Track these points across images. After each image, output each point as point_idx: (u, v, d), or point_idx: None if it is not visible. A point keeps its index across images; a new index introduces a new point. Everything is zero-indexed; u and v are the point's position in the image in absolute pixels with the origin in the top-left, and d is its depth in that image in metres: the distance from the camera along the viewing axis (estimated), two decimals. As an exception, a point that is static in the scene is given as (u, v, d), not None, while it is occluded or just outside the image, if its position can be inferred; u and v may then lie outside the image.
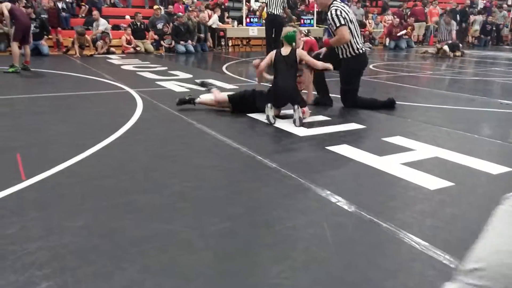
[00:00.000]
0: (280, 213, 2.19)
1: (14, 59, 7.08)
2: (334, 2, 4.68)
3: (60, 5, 11.74)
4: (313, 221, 2.10)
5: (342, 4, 4.73)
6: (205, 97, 4.58)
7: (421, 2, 18.44)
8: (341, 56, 4.73)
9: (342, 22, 4.55)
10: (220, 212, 2.19)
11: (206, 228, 2.02)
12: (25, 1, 10.41)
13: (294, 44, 4.29)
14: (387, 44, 15.38)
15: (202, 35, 12.38)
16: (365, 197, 2.40)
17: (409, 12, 17.01)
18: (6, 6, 7.06)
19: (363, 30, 15.84)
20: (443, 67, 9.93)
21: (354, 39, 4.67)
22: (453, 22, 13.08)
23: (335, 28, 4.58)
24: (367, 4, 18.25)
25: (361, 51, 4.72)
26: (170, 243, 1.88)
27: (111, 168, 2.79)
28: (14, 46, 7.09)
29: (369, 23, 16.46)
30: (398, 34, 14.98)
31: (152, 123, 4.03)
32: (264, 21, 10.92)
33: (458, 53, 11.96)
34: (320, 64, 4.37)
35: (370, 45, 15.23)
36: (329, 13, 4.62)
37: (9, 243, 1.85)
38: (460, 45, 12.72)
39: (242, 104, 4.34)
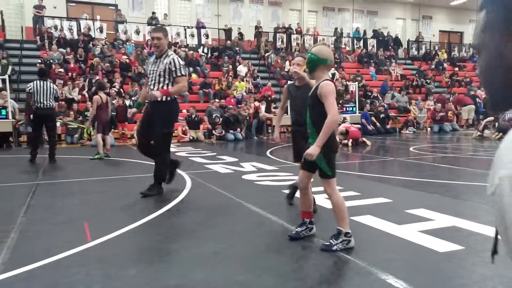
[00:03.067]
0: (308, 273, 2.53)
1: (99, 148, 8.20)
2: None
3: (128, 102, 13.39)
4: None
5: None
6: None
7: (466, 88, 18.88)
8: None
9: None
10: (246, 266, 2.58)
11: (231, 277, 2.40)
12: (116, 90, 11.87)
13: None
14: (430, 128, 15.64)
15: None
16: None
17: (451, 98, 17.42)
18: (97, 100, 8.17)
19: (407, 115, 16.35)
20: (485, 147, 9.97)
21: None
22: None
23: None
24: (410, 91, 18.92)
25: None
26: None
27: (159, 232, 3.30)
28: (98, 137, 8.24)
29: (413, 108, 16.96)
30: (437, 118, 15.32)
31: (198, 198, 4.58)
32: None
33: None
34: None
35: (414, 129, 15.55)
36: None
37: (76, 285, 2.34)
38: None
39: None
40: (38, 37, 16.34)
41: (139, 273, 2.49)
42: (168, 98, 4.49)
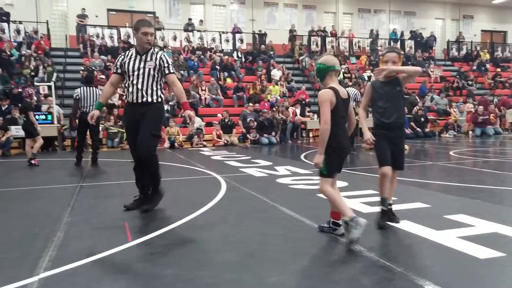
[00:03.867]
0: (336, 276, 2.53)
1: None
2: None
3: (165, 107, 13.75)
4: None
5: None
6: None
7: (510, 89, 18.05)
8: None
9: None
10: (279, 269, 2.60)
11: (264, 279, 2.44)
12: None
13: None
14: (471, 131, 15.07)
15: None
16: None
17: (496, 101, 16.73)
18: None
19: (447, 118, 15.83)
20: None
21: None
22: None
23: None
24: (450, 93, 18.33)
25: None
26: None
27: (195, 234, 3.38)
28: None
29: (454, 111, 16.42)
30: (479, 121, 14.74)
31: (233, 201, 4.64)
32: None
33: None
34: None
35: (455, 133, 15.04)
36: None
37: (119, 282, 2.45)
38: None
39: None
40: (81, 45, 17.10)
41: (175, 272, 2.57)
42: (159, 99, 4.17)
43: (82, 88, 8.04)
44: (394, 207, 3.69)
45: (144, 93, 4.08)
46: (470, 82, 19.50)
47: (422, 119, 14.77)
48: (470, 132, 15.12)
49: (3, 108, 11.85)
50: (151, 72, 4.08)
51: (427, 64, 20.33)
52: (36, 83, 13.51)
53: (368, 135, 3.50)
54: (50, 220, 3.87)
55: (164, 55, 4.20)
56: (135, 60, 4.12)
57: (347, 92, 3.27)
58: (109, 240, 3.29)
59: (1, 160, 9.62)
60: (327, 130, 3.03)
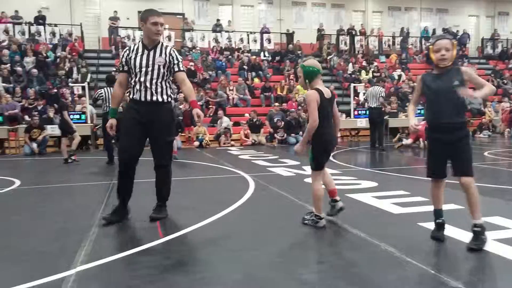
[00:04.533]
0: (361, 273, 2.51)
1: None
2: None
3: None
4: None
5: None
6: None
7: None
8: None
9: None
10: (310, 267, 2.60)
11: (293, 276, 2.45)
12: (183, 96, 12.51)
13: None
14: (507, 131, 14.53)
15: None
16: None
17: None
18: None
19: (481, 118, 15.33)
20: None
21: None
22: None
23: None
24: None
25: None
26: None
27: (225, 232, 3.42)
28: None
29: (488, 111, 15.89)
30: (514, 121, 14.20)
31: (261, 200, 4.67)
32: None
33: None
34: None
35: (490, 133, 14.56)
36: None
37: (151, 276, 2.51)
38: None
39: None
40: (113, 47, 17.54)
41: (204, 269, 2.62)
42: (169, 99, 3.81)
43: (105, 89, 8.27)
44: (426, 208, 3.61)
45: (153, 91, 3.70)
46: (505, 81, 18.82)
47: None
48: (506, 132, 14.58)
49: (39, 108, 12.30)
50: (161, 69, 3.71)
51: (460, 63, 19.75)
52: (70, 84, 13.98)
53: (412, 121, 3.13)
54: (85, 216, 4.01)
55: (173, 51, 3.83)
56: (142, 55, 3.70)
57: (331, 91, 3.57)
58: (140, 236, 3.38)
59: (38, 158, 10.00)
60: (315, 128, 3.39)
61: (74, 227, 3.63)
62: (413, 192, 4.79)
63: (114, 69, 15.56)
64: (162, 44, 3.77)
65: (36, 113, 11.34)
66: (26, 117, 11.94)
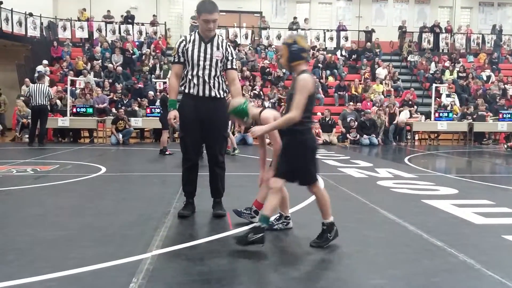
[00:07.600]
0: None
1: (234, 144, 8.98)
2: None
3: (266, 104, 14.08)
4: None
5: None
6: None
7: None
8: None
9: None
10: (379, 272, 2.53)
11: (363, 280, 2.39)
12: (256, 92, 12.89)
13: (246, 118, 3.21)
14: None
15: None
16: None
17: None
18: None
19: None
20: None
21: None
22: None
23: None
24: None
25: None
26: None
27: (292, 230, 3.44)
28: (230, 134, 8.95)
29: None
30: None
31: (330, 200, 4.58)
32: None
33: None
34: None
35: None
36: None
37: (220, 264, 2.61)
38: None
39: None
40: (192, 45, 18.27)
41: (268, 264, 2.65)
42: (225, 95, 3.71)
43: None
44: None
45: (211, 86, 3.60)
46: None
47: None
48: None
49: (125, 101, 13.23)
50: (219, 64, 3.60)
51: None
52: (153, 80, 14.85)
53: None
54: (162, 204, 4.25)
55: (229, 46, 3.73)
56: (199, 47, 3.58)
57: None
58: (211, 226, 3.52)
59: (123, 148, 10.78)
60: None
61: (152, 213, 3.88)
62: (498, 202, 4.43)
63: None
64: (218, 37, 3.67)
65: (122, 106, 12.21)
66: (113, 110, 12.91)
